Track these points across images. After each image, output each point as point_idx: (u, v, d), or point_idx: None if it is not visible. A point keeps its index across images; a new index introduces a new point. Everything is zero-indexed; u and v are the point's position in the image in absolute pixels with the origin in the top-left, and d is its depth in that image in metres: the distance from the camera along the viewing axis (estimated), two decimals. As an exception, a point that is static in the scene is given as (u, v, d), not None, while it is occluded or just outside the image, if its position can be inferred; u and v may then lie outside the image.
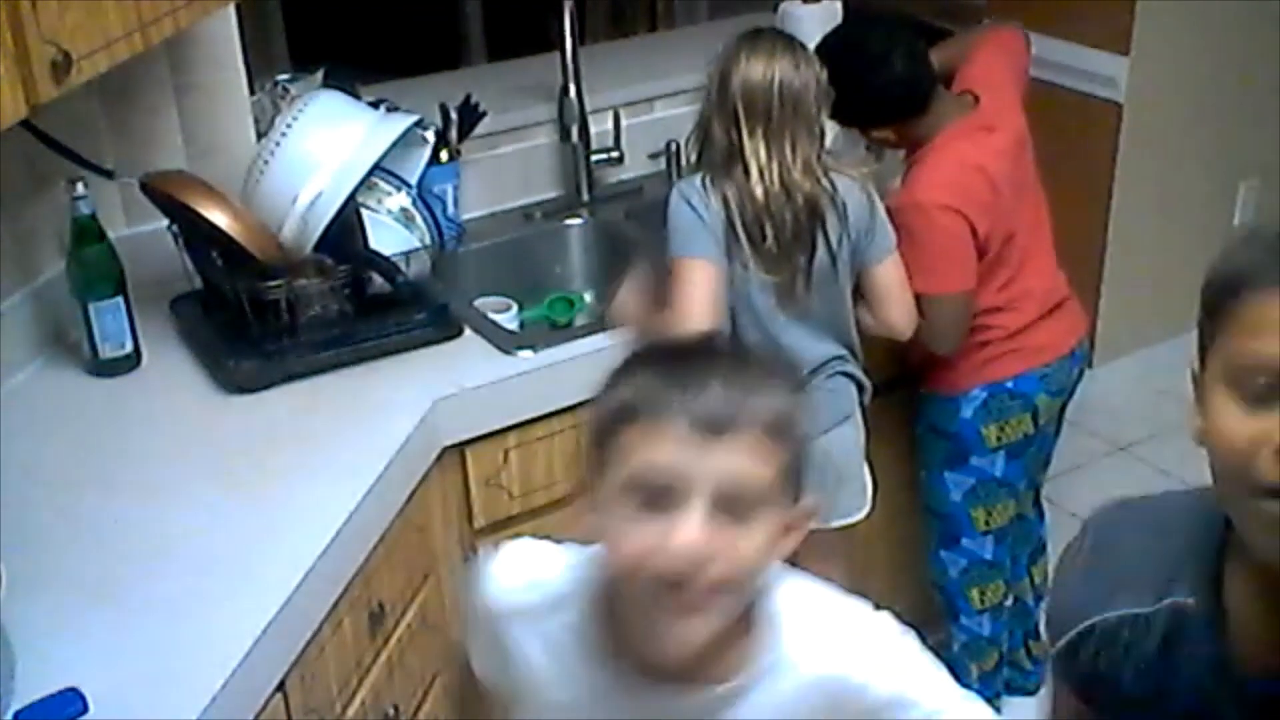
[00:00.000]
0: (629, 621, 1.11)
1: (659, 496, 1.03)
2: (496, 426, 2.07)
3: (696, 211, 2.10)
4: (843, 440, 2.26)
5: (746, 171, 2.08)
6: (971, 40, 2.58)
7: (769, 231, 2.10)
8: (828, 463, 2.24)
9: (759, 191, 2.08)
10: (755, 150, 2.08)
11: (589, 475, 1.10)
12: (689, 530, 1.02)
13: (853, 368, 2.26)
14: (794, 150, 2.09)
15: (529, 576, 1.23)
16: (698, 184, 2.12)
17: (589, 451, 1.10)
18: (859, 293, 2.24)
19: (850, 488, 2.31)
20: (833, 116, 2.41)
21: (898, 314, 2.24)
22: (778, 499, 1.07)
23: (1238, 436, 0.97)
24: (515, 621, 1.21)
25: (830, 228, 2.12)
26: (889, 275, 2.21)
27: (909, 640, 1.19)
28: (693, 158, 2.20)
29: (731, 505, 1.04)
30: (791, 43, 2.14)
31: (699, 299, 2.07)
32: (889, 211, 2.25)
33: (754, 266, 2.12)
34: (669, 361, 1.10)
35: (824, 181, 2.11)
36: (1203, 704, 1.07)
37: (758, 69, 2.08)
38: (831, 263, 2.14)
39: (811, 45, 2.28)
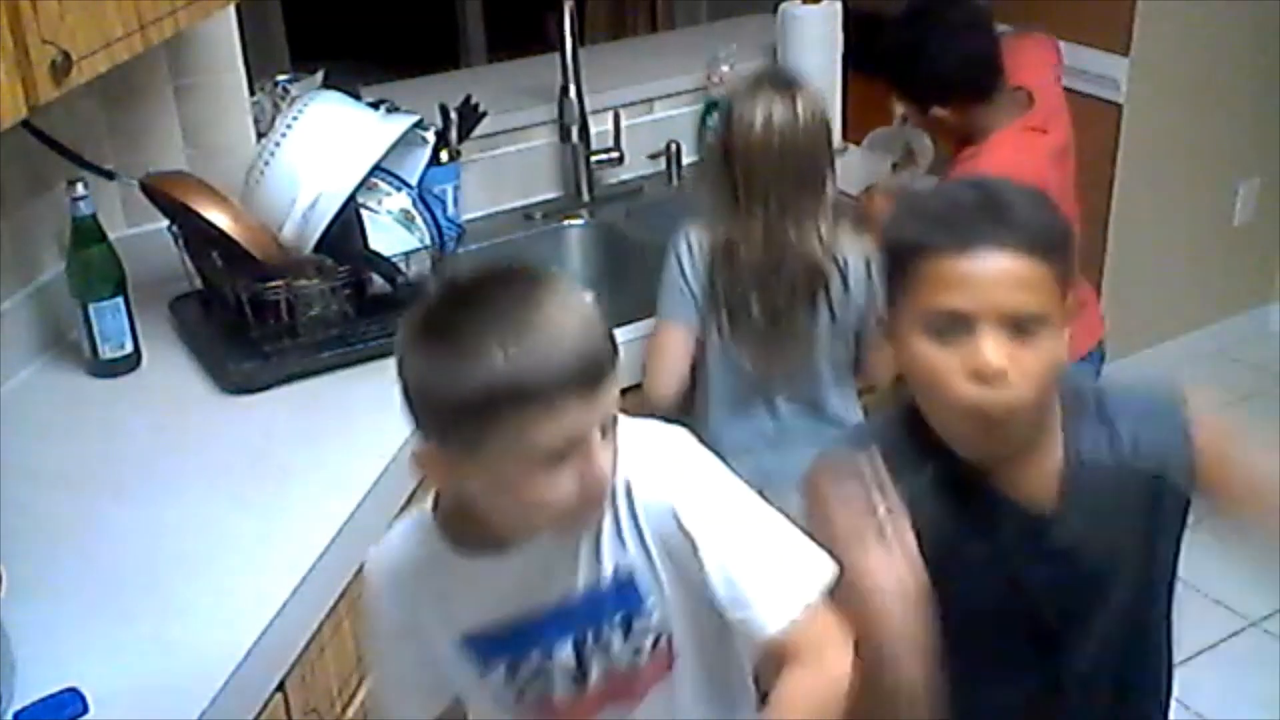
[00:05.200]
0: (491, 523, 1.26)
1: (566, 452, 1.16)
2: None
3: (683, 270, 2.12)
4: None
5: (746, 238, 2.07)
6: (1009, 43, 2.57)
7: (755, 304, 2.10)
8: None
9: (752, 260, 2.08)
10: (754, 222, 2.07)
11: (451, 453, 1.19)
12: (603, 464, 1.19)
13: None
14: (798, 218, 2.07)
15: (385, 549, 1.38)
16: (692, 236, 2.13)
17: (447, 433, 1.18)
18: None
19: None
20: (899, 89, 2.39)
21: (884, 375, 2.20)
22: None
23: (934, 365, 1.30)
24: (389, 585, 1.36)
25: (834, 293, 2.10)
26: (889, 357, 2.19)
27: (693, 458, 1.33)
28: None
29: (607, 425, 1.19)
30: (791, 87, 2.09)
31: (664, 367, 2.14)
32: None
33: (731, 335, 2.13)
34: (507, 326, 1.13)
35: (830, 245, 2.09)
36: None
37: (759, 129, 2.04)
38: (832, 325, 2.13)
39: (812, 45, 2.28)
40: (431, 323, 1.17)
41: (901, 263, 1.33)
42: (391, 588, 1.36)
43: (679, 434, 1.35)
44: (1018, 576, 1.40)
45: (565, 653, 1.33)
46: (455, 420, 1.16)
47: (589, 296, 1.25)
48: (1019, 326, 1.27)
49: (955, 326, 1.28)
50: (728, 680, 1.42)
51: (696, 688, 1.39)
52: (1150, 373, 1.49)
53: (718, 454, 2.18)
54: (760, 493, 2.24)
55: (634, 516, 1.29)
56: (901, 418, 1.42)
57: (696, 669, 1.38)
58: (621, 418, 1.28)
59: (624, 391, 2.21)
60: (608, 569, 1.30)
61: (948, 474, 1.37)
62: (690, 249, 2.12)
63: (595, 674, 1.34)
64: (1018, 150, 2.28)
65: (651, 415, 1.37)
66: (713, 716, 1.41)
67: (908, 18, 2.39)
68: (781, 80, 2.14)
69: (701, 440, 1.35)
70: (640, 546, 1.29)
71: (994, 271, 1.27)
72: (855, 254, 2.12)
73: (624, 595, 1.31)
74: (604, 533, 1.29)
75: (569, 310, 1.17)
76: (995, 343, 1.26)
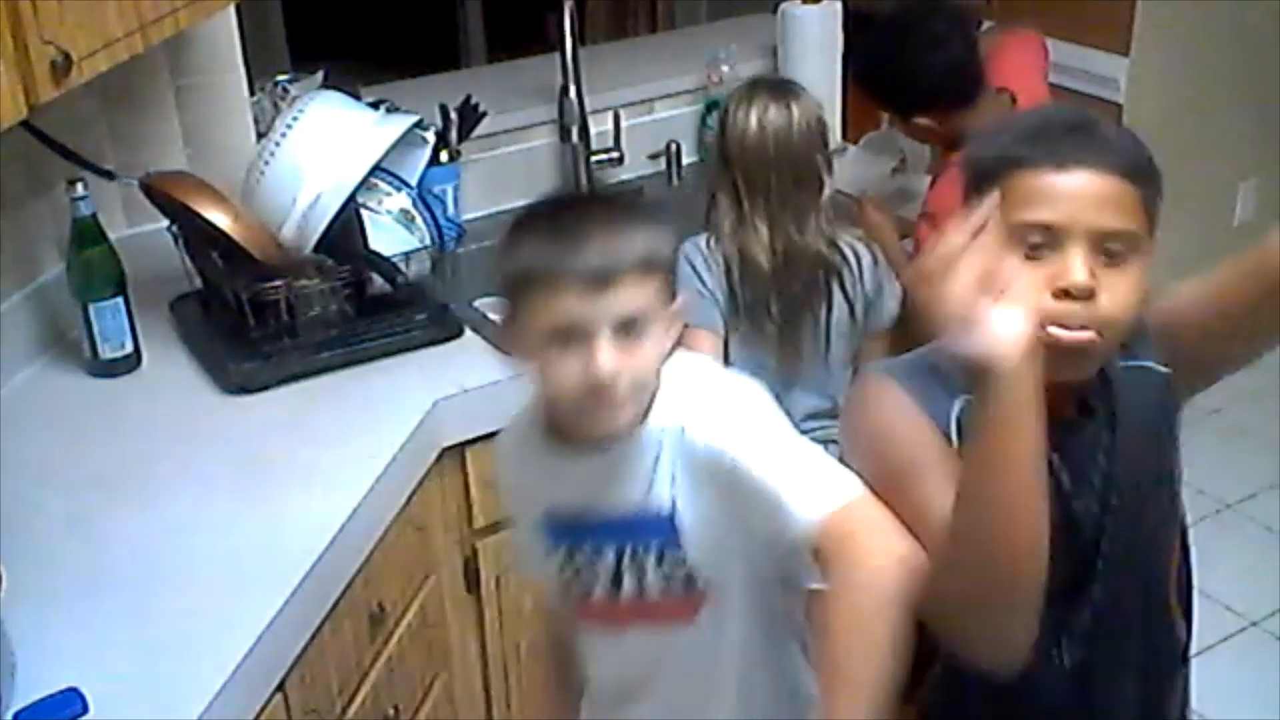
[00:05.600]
0: (564, 419, 1.42)
1: (571, 338, 1.32)
2: (496, 427, 2.05)
3: (700, 277, 2.12)
4: None
5: (753, 241, 2.09)
6: (995, 40, 2.57)
7: (773, 304, 2.11)
8: None
9: (764, 261, 2.09)
10: (758, 222, 2.08)
11: (505, 321, 1.40)
12: (602, 358, 1.32)
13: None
14: (799, 215, 2.09)
15: (513, 421, 1.55)
16: (703, 246, 2.14)
17: (503, 303, 1.39)
18: None
19: None
20: (880, 100, 2.39)
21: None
22: (659, 313, 1.36)
23: (1019, 281, 1.23)
24: (509, 453, 1.56)
25: (848, 283, 2.12)
26: (881, 347, 2.19)
27: (750, 403, 1.39)
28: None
29: (627, 330, 1.33)
30: (785, 93, 2.12)
31: None
32: (920, 217, 2.25)
33: (751, 335, 2.13)
34: (551, 225, 1.35)
35: (834, 239, 2.12)
36: None
37: (753, 131, 2.07)
38: (850, 315, 2.14)
39: (812, 45, 2.27)
40: (516, 222, 1.40)
41: (990, 178, 1.30)
42: (509, 456, 1.57)
43: (746, 383, 1.42)
44: (1056, 492, 1.35)
45: (609, 559, 1.45)
46: (500, 294, 1.40)
47: (653, 229, 1.39)
48: (1107, 249, 1.26)
49: (1043, 243, 1.25)
50: (776, 643, 1.50)
51: (743, 639, 1.46)
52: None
53: None
54: None
55: (688, 458, 1.37)
56: (928, 354, 1.40)
57: (741, 623, 1.45)
58: (693, 361, 1.44)
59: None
60: (656, 500, 1.39)
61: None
62: (704, 258, 2.13)
63: (627, 588, 1.45)
64: None
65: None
66: (756, 672, 1.48)
67: (886, 30, 2.40)
68: (775, 85, 2.16)
69: None
70: (691, 489, 1.38)
71: (1085, 188, 1.26)
72: (860, 246, 2.14)
73: (663, 529, 1.40)
74: (660, 465, 1.39)
75: (604, 225, 1.34)
76: (1084, 261, 1.24)
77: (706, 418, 1.37)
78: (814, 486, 1.30)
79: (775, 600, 1.48)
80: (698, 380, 1.42)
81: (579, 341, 1.32)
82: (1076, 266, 1.24)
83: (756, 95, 2.10)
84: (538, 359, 1.36)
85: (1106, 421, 1.37)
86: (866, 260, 2.15)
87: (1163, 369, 1.39)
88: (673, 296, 1.40)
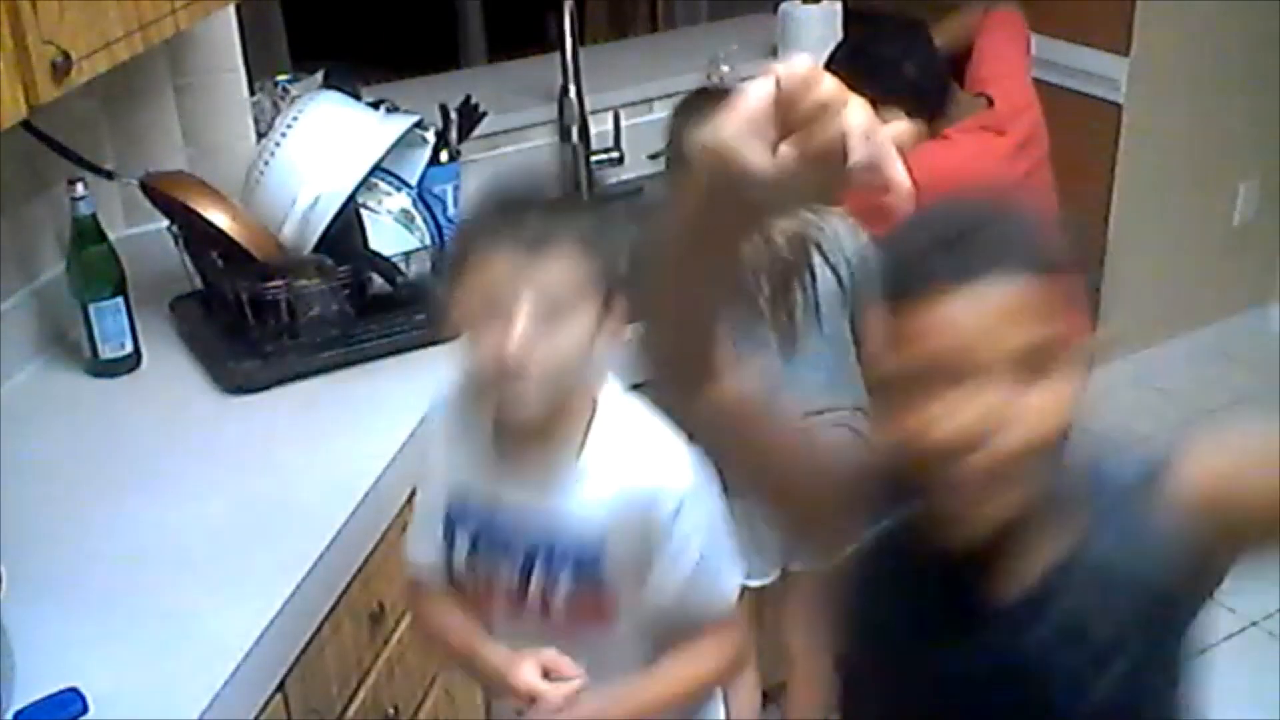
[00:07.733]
0: (481, 394, 1.46)
1: (496, 310, 1.34)
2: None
3: None
4: None
5: None
6: (972, 25, 2.58)
7: (763, 282, 2.13)
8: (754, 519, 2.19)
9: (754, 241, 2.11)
10: None
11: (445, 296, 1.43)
12: (513, 341, 1.33)
13: (857, 422, 2.13)
14: None
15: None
16: None
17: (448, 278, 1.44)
18: None
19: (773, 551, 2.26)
20: None
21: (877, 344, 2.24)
22: (588, 302, 1.37)
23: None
24: (438, 425, 1.60)
25: (827, 249, 2.15)
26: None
27: (685, 458, 1.43)
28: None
29: (552, 311, 1.34)
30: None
31: None
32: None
33: (749, 313, 2.14)
34: (500, 206, 1.40)
35: (805, 215, 2.14)
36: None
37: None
38: (838, 282, 2.15)
39: (812, 45, 2.27)
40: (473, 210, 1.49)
41: (895, 297, 1.14)
42: (440, 428, 1.59)
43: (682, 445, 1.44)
44: (943, 674, 1.18)
45: (519, 553, 1.49)
46: (448, 271, 1.45)
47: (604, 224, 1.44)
48: (1026, 363, 1.07)
49: (949, 373, 1.08)
50: (649, 643, 1.57)
51: (632, 647, 1.54)
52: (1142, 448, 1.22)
53: None
54: None
55: (623, 492, 1.43)
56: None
57: (632, 633, 1.52)
58: (636, 407, 1.46)
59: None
60: (582, 521, 1.44)
61: (908, 529, 1.19)
62: None
63: (533, 586, 1.49)
64: (971, 144, 2.30)
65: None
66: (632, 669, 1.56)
67: (846, 55, 2.42)
68: (716, 93, 2.24)
69: None
70: (619, 520, 1.44)
71: (985, 305, 1.07)
72: (834, 217, 2.17)
73: (584, 551, 1.45)
74: (587, 484, 1.44)
75: (550, 205, 1.41)
76: (982, 391, 1.07)
77: (650, 465, 1.42)
78: (720, 590, 1.50)
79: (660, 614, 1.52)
80: (647, 422, 1.44)
81: (497, 311, 1.34)
82: (970, 401, 1.05)
83: (704, 105, 2.12)
84: (465, 324, 1.38)
85: (1051, 629, 1.16)
86: (844, 227, 2.17)
87: (1171, 592, 1.20)
88: (611, 302, 1.39)
